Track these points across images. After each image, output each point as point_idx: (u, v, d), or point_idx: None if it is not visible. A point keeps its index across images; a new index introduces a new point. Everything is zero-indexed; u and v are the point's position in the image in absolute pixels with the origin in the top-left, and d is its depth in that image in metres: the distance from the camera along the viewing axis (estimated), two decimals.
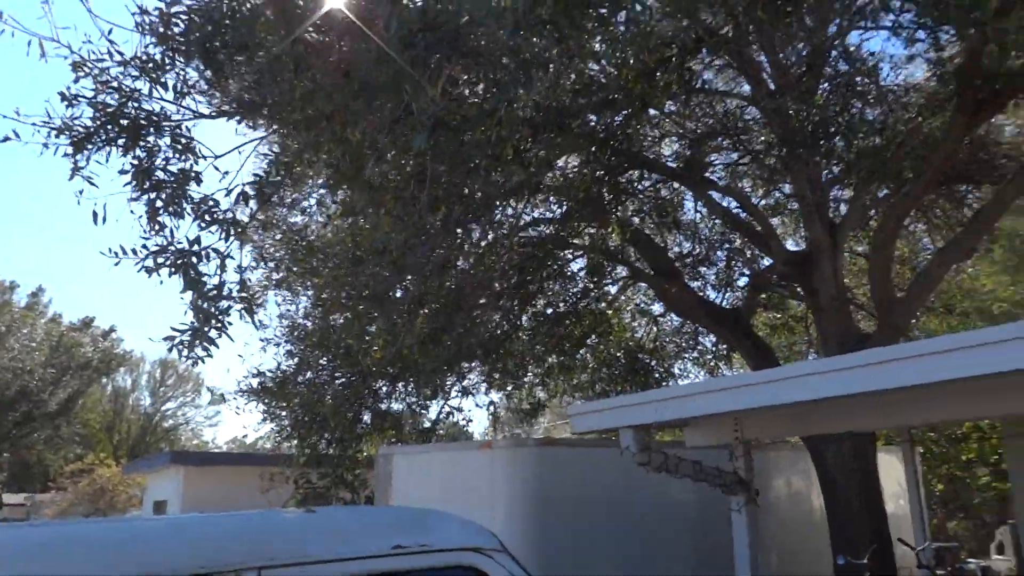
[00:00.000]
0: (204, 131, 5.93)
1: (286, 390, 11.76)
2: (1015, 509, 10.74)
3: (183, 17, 5.17)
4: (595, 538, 8.65)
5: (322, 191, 8.27)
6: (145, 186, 5.42)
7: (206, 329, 5.30)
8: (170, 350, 5.40)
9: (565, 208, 11.21)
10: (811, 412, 6.94)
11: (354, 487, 11.92)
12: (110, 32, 5.14)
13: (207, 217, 5.59)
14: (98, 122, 5.24)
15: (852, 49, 9.03)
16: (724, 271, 14.52)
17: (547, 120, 6.46)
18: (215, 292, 5.47)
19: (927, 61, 7.87)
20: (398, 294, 8.58)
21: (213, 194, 5.61)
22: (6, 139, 5.07)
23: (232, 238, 5.78)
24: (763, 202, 12.56)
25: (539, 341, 12.88)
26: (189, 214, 5.60)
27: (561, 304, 13.14)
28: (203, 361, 5.42)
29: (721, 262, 14.51)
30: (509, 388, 14.51)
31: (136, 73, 5.25)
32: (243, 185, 5.79)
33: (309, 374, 12.03)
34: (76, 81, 5.24)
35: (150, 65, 5.17)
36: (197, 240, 5.54)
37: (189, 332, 5.37)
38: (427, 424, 13.69)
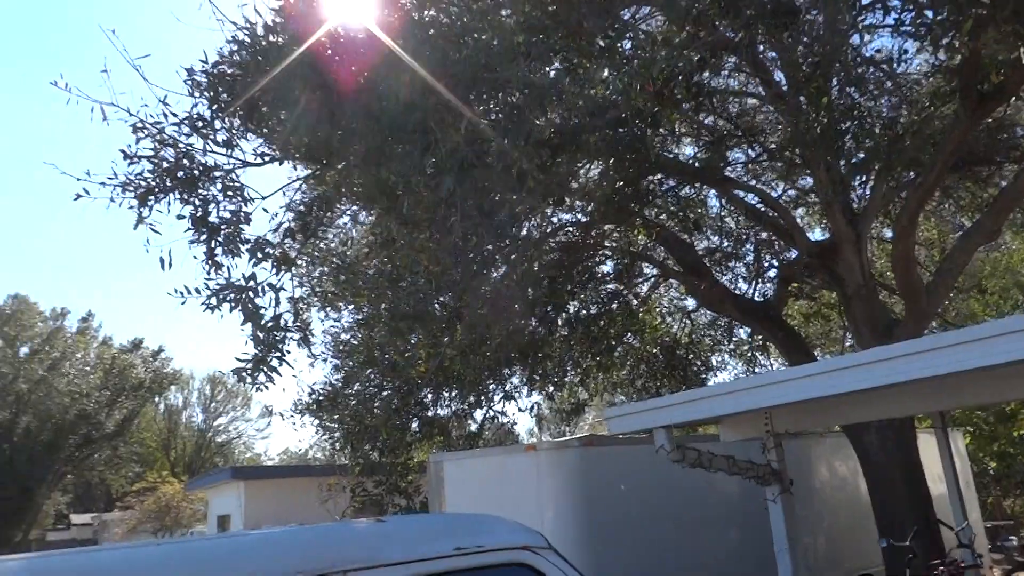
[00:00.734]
0: (252, 176, 6.42)
1: (336, 403, 12.32)
2: None
3: (228, 77, 5.69)
4: (641, 532, 8.98)
5: (360, 223, 8.78)
6: (202, 231, 5.96)
7: (268, 358, 5.82)
8: (238, 380, 5.92)
9: (590, 214, 11.56)
10: (840, 403, 7.17)
11: (408, 493, 12.40)
12: (165, 97, 5.72)
13: (259, 254, 6.11)
14: (158, 177, 5.80)
15: (857, 46, 9.25)
16: (753, 264, 14.72)
17: (564, 140, 6.86)
18: (272, 323, 5.98)
19: (928, 60, 8.05)
20: (436, 308, 9.04)
21: (264, 234, 6.14)
22: (78, 196, 5.66)
23: (283, 271, 6.29)
24: (784, 196, 12.75)
25: (575, 343, 13.25)
26: (243, 253, 6.13)
27: (593, 306, 13.49)
28: (267, 387, 5.95)
29: (750, 255, 14.72)
30: (550, 390, 14.88)
31: (189, 131, 5.80)
32: (290, 222, 6.30)
33: (357, 386, 12.58)
34: (137, 141, 5.82)
35: (200, 124, 5.71)
36: (253, 276, 6.07)
37: (252, 362, 5.90)
38: (473, 429, 14.15)
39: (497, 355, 10.12)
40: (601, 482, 8.93)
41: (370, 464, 11.80)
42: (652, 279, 15.08)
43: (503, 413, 13.24)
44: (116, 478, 45.20)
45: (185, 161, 5.84)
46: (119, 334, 54.33)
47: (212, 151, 5.98)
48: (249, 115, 5.81)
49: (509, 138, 5.38)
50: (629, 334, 14.88)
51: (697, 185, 12.61)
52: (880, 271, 13.80)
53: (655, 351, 15.82)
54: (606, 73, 5.57)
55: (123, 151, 5.72)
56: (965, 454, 14.94)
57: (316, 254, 8.98)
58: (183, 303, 5.81)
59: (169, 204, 5.97)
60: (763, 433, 7.26)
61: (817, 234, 14.35)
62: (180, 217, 6.04)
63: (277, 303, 6.12)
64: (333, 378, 12.91)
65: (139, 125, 5.75)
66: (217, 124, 5.86)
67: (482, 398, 12.34)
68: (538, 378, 13.69)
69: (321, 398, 11.95)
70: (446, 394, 13.22)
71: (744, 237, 14.35)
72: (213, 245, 6.00)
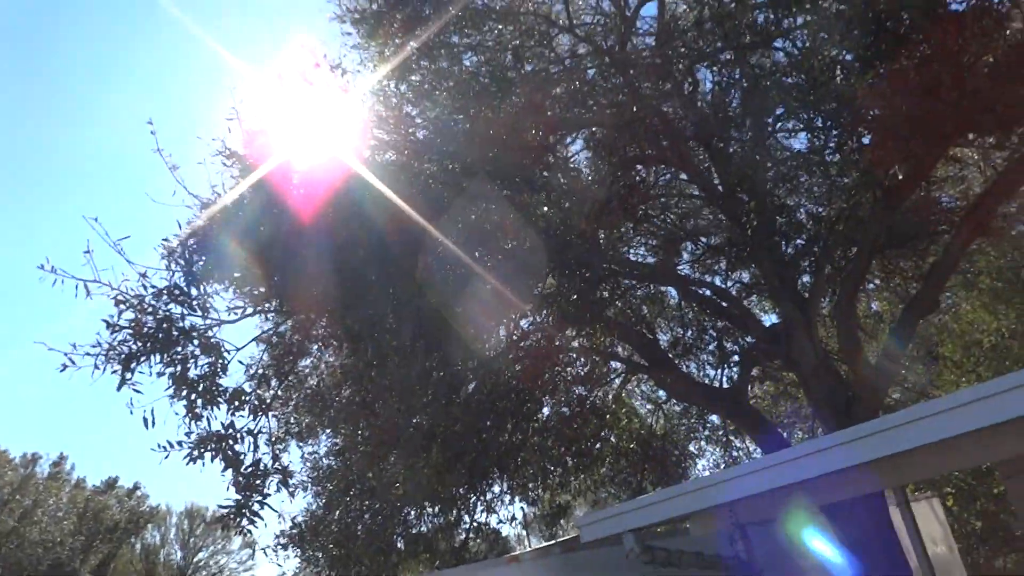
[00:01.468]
0: (227, 330, 6.91)
1: (319, 531, 12.32)
2: None
3: (197, 244, 6.23)
4: None
5: (329, 358, 9.22)
6: (182, 388, 6.34)
7: (250, 503, 6.09)
8: (222, 528, 6.15)
9: (551, 320, 12.08)
10: (801, 489, 7.51)
11: None
12: (144, 274, 6.24)
13: (236, 403, 6.47)
14: (139, 342, 6.22)
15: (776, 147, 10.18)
16: (717, 350, 15.25)
17: (518, 269, 7.45)
18: (252, 468, 6.29)
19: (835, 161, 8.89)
20: (410, 431, 9.35)
21: (241, 383, 6.53)
22: (64, 368, 6.05)
23: (260, 415, 6.64)
24: (733, 286, 13.45)
25: (551, 447, 13.50)
26: (222, 404, 6.49)
27: (565, 408, 13.82)
28: (250, 532, 6.19)
29: (713, 342, 15.28)
30: (533, 496, 14.95)
31: (168, 300, 6.28)
32: (263, 369, 6.70)
33: (339, 512, 12.61)
34: (119, 313, 6.27)
35: (177, 292, 6.21)
36: (231, 424, 6.41)
37: (234, 507, 6.16)
38: (460, 540, 14.08)
39: (474, 468, 10.36)
40: None
41: None
42: (621, 375, 15.51)
43: (486, 524, 13.29)
44: None
45: (165, 326, 6.27)
46: (93, 473, 52.83)
47: (189, 315, 6.45)
48: (221, 275, 6.30)
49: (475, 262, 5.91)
50: (605, 431, 15.16)
51: (651, 285, 13.27)
52: (834, 350, 14.41)
53: (632, 446, 16.06)
54: (545, 209, 6.19)
55: (106, 321, 6.17)
56: (944, 520, 15.15)
57: (290, 387, 9.32)
58: (166, 457, 6.12)
59: (150, 365, 6.37)
60: (728, 526, 7.53)
61: (772, 318, 15.03)
62: (160, 375, 6.42)
63: (256, 448, 6.44)
64: (314, 506, 12.94)
65: (120, 298, 6.21)
66: (193, 291, 6.35)
67: (462, 513, 12.45)
68: (517, 485, 13.84)
69: (303, 529, 11.98)
70: (429, 510, 13.27)
71: (704, 326, 14.91)
72: (193, 398, 6.36)
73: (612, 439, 15.64)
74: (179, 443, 6.22)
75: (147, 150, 6.50)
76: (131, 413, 6.09)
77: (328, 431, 11.24)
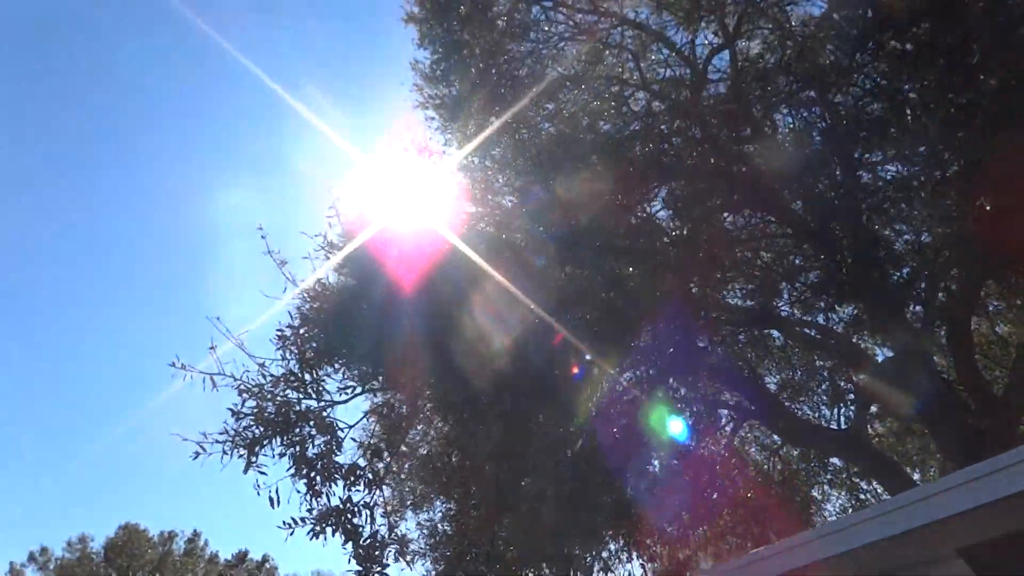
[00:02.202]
0: (339, 411, 7.43)
1: None
2: None
3: (309, 336, 6.74)
4: None
5: (439, 425, 9.53)
6: (302, 467, 6.77)
7: (370, 574, 6.38)
8: None
9: (654, 372, 12.02)
10: (940, 529, 7.09)
11: None
12: (262, 364, 6.80)
13: (352, 478, 6.83)
14: (261, 426, 6.72)
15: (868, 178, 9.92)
16: (830, 390, 14.69)
17: (612, 327, 7.57)
18: (370, 540, 6.59)
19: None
20: (518, 494, 9.47)
21: (355, 459, 6.91)
22: (196, 455, 6.61)
23: (375, 488, 6.97)
24: (839, 323, 13.00)
25: (664, 501, 13.25)
26: (338, 480, 6.88)
27: (675, 460, 13.58)
28: None
29: (825, 382, 14.73)
30: (650, 552, 14.64)
31: (284, 386, 6.79)
32: (373, 443, 7.06)
33: None
34: (243, 403, 6.82)
35: (292, 379, 6.71)
36: (349, 499, 6.77)
37: None
38: None
39: (586, 527, 10.32)
40: None
41: None
42: (731, 423, 15.13)
43: None
44: None
45: (283, 410, 6.76)
46: (225, 546, 55.16)
47: (304, 399, 6.93)
48: (330, 358, 6.77)
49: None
50: (718, 481, 14.76)
51: (753, 329, 13.01)
52: (957, 381, 13.61)
53: (749, 495, 15.53)
54: (630, 270, 6.34)
55: (231, 409, 6.72)
56: None
57: (402, 456, 9.68)
58: (291, 534, 6.52)
59: (272, 448, 6.85)
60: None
61: (886, 352, 14.36)
62: (281, 456, 6.89)
63: (372, 520, 6.75)
64: (432, 572, 13.14)
65: (243, 387, 6.77)
66: (306, 376, 6.84)
67: (578, 573, 12.35)
68: (634, 542, 13.59)
69: None
70: (546, 572, 13.22)
71: (814, 367, 14.44)
72: (312, 476, 6.78)
73: (728, 489, 15.21)
74: (302, 519, 6.62)
75: (258, 251, 7.16)
76: (258, 494, 6.57)
77: (441, 497, 11.51)
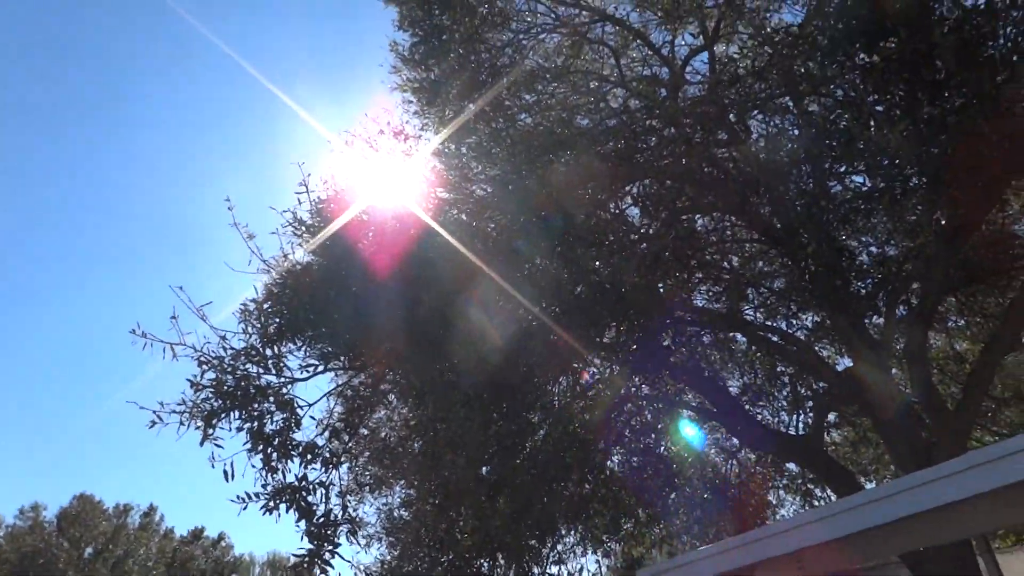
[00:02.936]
0: (299, 388, 7.39)
1: None
2: None
3: (273, 311, 6.70)
4: None
5: (397, 410, 9.54)
6: (259, 443, 6.74)
7: (321, 552, 6.39)
8: (296, 573, 6.47)
9: (614, 369, 12.11)
10: (874, 537, 7.27)
11: None
12: (223, 337, 6.76)
13: (309, 456, 6.83)
14: (220, 399, 6.68)
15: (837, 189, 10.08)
16: (790, 395, 14.92)
17: (579, 321, 7.64)
18: (323, 519, 6.60)
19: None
20: (475, 483, 9.52)
21: (313, 437, 6.90)
22: (153, 424, 6.55)
23: (331, 468, 6.97)
24: (801, 331, 13.21)
25: (622, 497, 13.38)
26: (295, 457, 6.87)
27: (635, 458, 13.70)
28: None
29: (786, 388, 14.95)
30: (605, 548, 14.77)
31: (245, 360, 6.76)
32: (334, 423, 7.06)
33: (410, 564, 12.77)
34: (202, 374, 6.78)
35: (254, 353, 6.68)
36: (304, 477, 6.76)
37: (307, 556, 6.45)
38: None
39: (542, 519, 10.40)
40: None
41: None
42: (691, 423, 15.30)
43: None
44: None
45: (243, 384, 6.73)
46: (180, 522, 54.74)
47: (265, 374, 6.90)
48: (293, 334, 6.74)
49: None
50: (676, 481, 14.93)
51: (718, 331, 13.17)
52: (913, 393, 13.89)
53: (706, 495, 15.74)
54: (597, 264, 6.40)
55: (190, 380, 6.67)
56: None
57: (361, 440, 9.67)
58: (244, 508, 6.50)
59: (230, 421, 6.81)
60: None
61: (847, 362, 14.61)
62: (239, 430, 6.86)
63: (327, 499, 6.76)
64: (388, 556, 13.15)
65: (203, 359, 6.72)
66: (268, 352, 6.82)
67: (532, 565, 12.43)
68: (591, 537, 13.70)
69: None
70: (501, 561, 13.29)
71: (775, 372, 14.64)
72: (269, 452, 6.76)
73: (687, 489, 15.39)
74: (256, 495, 6.60)
75: (225, 223, 7.09)
76: (212, 467, 6.53)
77: (400, 483, 11.52)
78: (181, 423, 6.72)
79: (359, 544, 7.10)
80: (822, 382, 12.67)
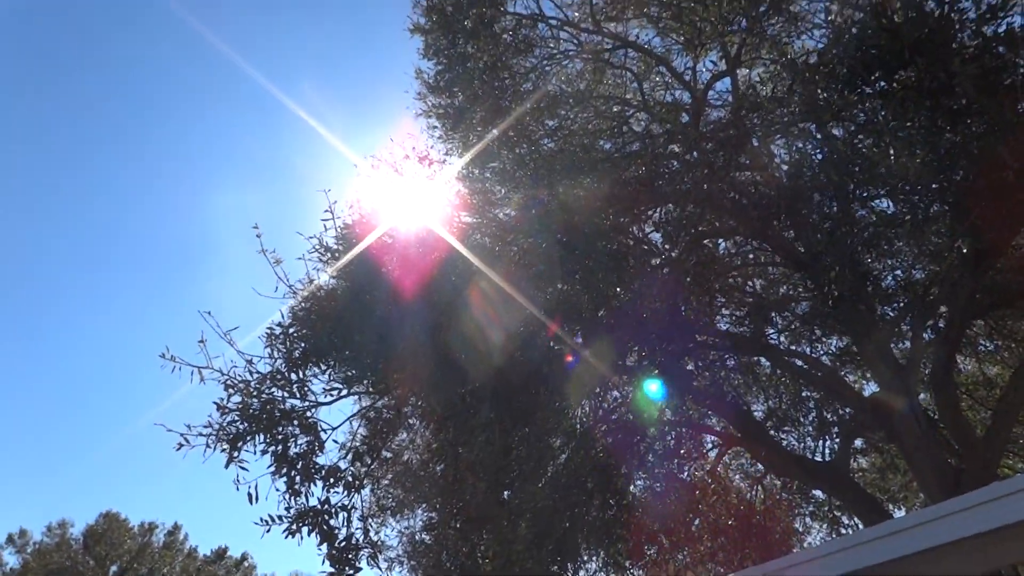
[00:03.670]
0: (323, 411, 7.51)
1: None
2: None
3: (298, 335, 6.81)
4: None
5: (419, 433, 9.59)
6: (283, 466, 6.82)
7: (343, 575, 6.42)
8: None
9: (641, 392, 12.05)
10: (905, 564, 7.14)
11: None
12: (250, 361, 6.87)
13: (332, 479, 6.88)
14: (245, 423, 6.78)
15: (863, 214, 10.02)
16: (816, 421, 14.73)
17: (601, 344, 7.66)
18: (344, 543, 6.64)
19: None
20: (497, 507, 9.51)
21: (336, 461, 6.97)
22: (180, 446, 6.65)
23: (354, 492, 7.02)
24: (826, 355, 13.08)
25: (644, 523, 13.25)
26: (318, 480, 6.93)
27: (657, 483, 13.58)
28: None
29: (811, 413, 14.77)
30: (629, 574, 14.61)
31: (270, 384, 6.86)
32: (357, 446, 7.12)
33: None
34: (228, 397, 6.89)
35: (279, 377, 6.79)
36: (327, 500, 6.81)
37: None
38: None
39: (563, 545, 10.33)
40: None
41: None
42: (716, 448, 15.16)
43: None
44: None
45: (268, 408, 6.83)
46: (204, 541, 54.89)
47: (289, 398, 7.00)
48: (318, 359, 6.84)
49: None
50: (699, 507, 14.76)
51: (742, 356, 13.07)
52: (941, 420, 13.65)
53: (730, 522, 15.53)
54: (618, 290, 6.43)
55: (216, 403, 6.78)
56: None
57: (384, 463, 9.72)
58: (268, 531, 6.55)
59: (255, 444, 6.91)
60: None
61: (873, 387, 14.41)
62: (263, 453, 6.94)
63: (349, 523, 6.80)
64: None
65: (230, 383, 6.84)
66: (292, 376, 6.92)
67: None
68: (614, 563, 13.56)
69: None
70: None
71: (800, 397, 14.48)
72: (292, 475, 6.83)
73: (711, 516, 15.20)
74: (280, 517, 6.66)
75: (252, 248, 7.24)
76: (237, 489, 6.61)
77: (422, 506, 11.53)
78: (207, 445, 6.83)
79: (380, 568, 7.11)
80: (848, 407, 12.51)
